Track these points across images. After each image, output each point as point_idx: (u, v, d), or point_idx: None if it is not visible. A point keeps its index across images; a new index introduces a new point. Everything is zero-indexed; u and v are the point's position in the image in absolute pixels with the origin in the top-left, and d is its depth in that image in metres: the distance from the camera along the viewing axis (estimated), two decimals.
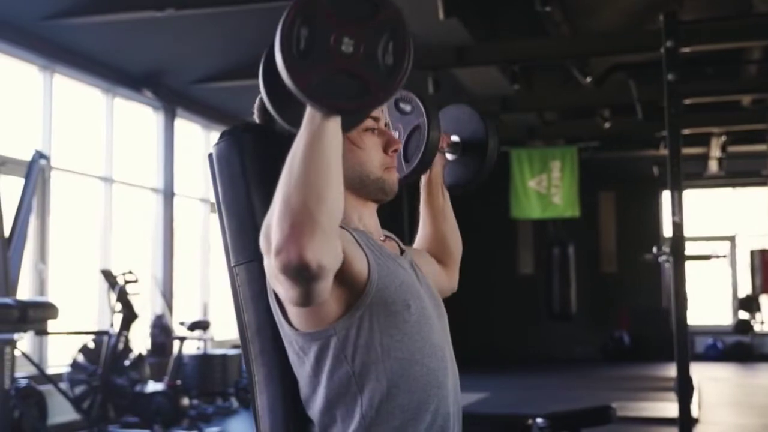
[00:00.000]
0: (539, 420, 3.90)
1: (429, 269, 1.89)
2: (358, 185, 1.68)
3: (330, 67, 1.31)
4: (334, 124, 1.35)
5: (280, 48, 1.30)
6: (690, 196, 12.31)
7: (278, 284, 1.42)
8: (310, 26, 1.31)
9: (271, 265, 1.35)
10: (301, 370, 1.60)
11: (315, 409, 1.59)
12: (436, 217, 2.04)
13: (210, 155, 1.77)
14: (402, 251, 1.76)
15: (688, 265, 8.01)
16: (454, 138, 2.07)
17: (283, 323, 1.59)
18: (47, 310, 5.69)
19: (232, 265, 1.72)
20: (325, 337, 1.54)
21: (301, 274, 1.32)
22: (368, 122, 1.68)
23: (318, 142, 1.33)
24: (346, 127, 1.49)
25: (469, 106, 2.12)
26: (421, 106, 1.88)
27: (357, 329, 1.54)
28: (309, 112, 1.34)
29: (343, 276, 1.51)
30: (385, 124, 1.76)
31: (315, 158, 1.32)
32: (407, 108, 1.91)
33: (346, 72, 1.32)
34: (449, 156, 2.08)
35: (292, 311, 1.56)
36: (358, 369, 1.54)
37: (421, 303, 1.64)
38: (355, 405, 1.54)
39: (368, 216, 1.72)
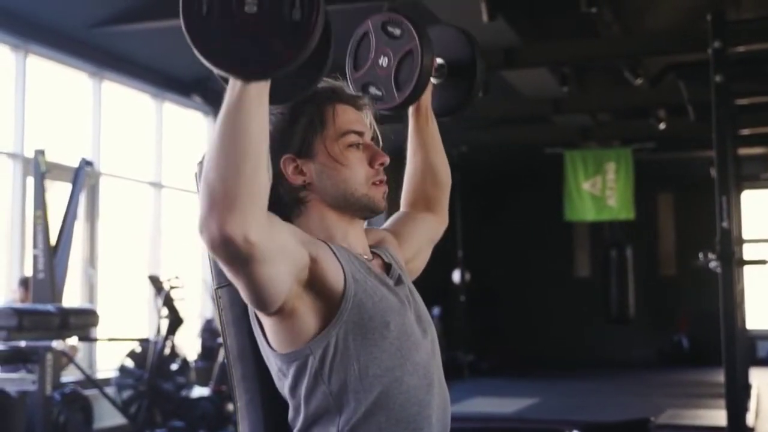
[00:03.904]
0: None
1: (417, 227, 1.86)
2: (342, 203, 1.64)
3: (234, 32, 1.24)
4: (256, 92, 1.28)
5: (183, 13, 1.24)
6: (751, 197, 12.02)
7: (233, 280, 1.41)
8: None
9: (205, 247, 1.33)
10: (283, 392, 1.58)
11: (296, 429, 1.56)
12: (426, 146, 1.93)
13: (195, 174, 1.73)
14: (389, 268, 1.70)
15: (750, 269, 7.80)
16: (439, 61, 1.95)
17: (263, 344, 1.57)
18: (89, 316, 5.73)
19: (214, 287, 1.69)
20: (303, 356, 1.52)
21: (231, 252, 1.29)
22: (351, 138, 1.64)
23: (236, 111, 1.27)
24: (283, 98, 1.45)
25: (454, 26, 2.00)
26: (413, 30, 1.79)
27: (334, 348, 1.51)
28: (230, 80, 1.29)
29: (318, 286, 1.50)
30: (372, 138, 1.71)
31: (232, 129, 1.27)
32: (396, 32, 1.81)
33: (251, 33, 1.24)
34: (433, 80, 1.95)
35: (271, 331, 1.54)
36: (335, 388, 1.51)
37: (403, 320, 1.59)
38: (333, 424, 1.52)
39: (354, 234, 1.67)
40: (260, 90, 1.28)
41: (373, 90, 1.81)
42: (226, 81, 1.31)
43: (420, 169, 1.93)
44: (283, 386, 1.56)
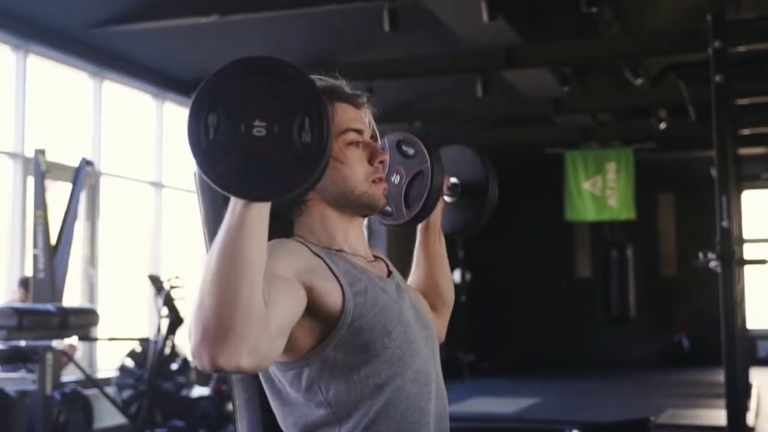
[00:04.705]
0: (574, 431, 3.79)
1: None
2: (342, 202, 1.63)
3: (243, 155, 1.20)
4: (257, 211, 1.23)
5: (189, 139, 1.22)
6: (751, 197, 12.03)
7: None
8: (218, 114, 1.22)
9: None
10: (276, 399, 1.56)
11: None
12: (431, 262, 1.95)
13: (194, 174, 1.72)
14: (390, 273, 1.70)
15: (750, 269, 7.77)
16: (453, 180, 2.01)
17: None
18: (88, 316, 5.73)
19: None
20: (299, 367, 1.50)
21: (223, 373, 1.26)
22: (351, 136, 1.63)
23: (237, 231, 1.22)
24: (281, 204, 1.45)
25: (471, 147, 2.05)
26: (425, 151, 1.82)
27: (332, 360, 1.49)
28: (231, 201, 1.23)
29: (315, 311, 1.47)
30: (371, 137, 1.70)
31: (232, 250, 1.21)
32: (410, 151, 1.84)
33: (260, 157, 1.20)
34: (447, 198, 2.01)
35: None
36: (333, 399, 1.49)
37: (405, 328, 1.57)
38: None
39: (354, 233, 1.66)
40: (261, 209, 1.24)
41: None
42: (226, 199, 1.26)
43: (422, 283, 1.95)
44: (279, 395, 1.54)
